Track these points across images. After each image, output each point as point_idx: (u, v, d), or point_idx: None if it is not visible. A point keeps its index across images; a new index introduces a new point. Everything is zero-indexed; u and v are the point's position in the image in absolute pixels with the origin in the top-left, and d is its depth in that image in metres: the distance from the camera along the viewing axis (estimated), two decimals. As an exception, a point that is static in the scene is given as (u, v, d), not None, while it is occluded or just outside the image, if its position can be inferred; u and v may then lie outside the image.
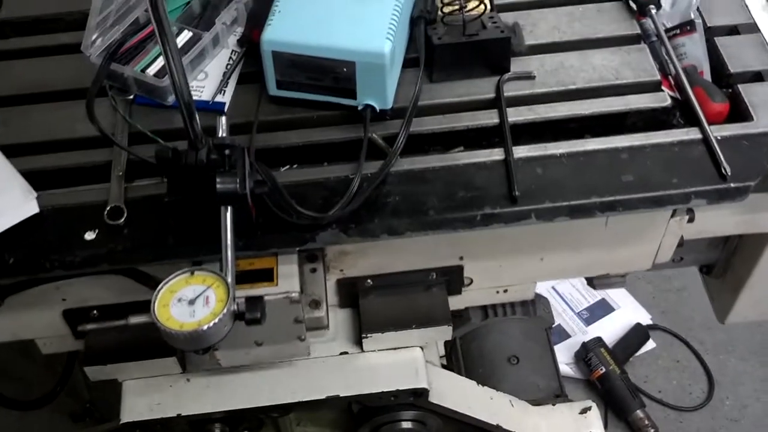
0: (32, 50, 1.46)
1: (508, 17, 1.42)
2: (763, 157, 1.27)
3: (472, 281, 1.46)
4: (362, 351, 1.44)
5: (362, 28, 1.26)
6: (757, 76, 1.37)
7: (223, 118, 1.22)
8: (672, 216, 1.38)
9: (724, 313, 1.64)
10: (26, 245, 1.22)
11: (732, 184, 1.24)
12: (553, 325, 1.99)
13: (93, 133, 1.29)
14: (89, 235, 1.22)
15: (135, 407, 1.41)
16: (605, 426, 2.32)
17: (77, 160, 1.31)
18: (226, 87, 1.36)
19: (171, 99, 1.33)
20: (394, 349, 1.44)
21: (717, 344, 2.74)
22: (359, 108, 1.31)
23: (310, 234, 1.22)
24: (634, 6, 1.44)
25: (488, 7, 1.39)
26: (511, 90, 1.35)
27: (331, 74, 1.28)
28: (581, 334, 2.76)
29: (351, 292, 1.44)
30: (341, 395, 1.41)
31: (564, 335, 2.76)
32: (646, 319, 2.80)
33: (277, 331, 1.30)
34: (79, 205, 1.26)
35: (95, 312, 1.37)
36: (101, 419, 2.30)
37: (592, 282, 1.58)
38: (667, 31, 1.41)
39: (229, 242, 1.13)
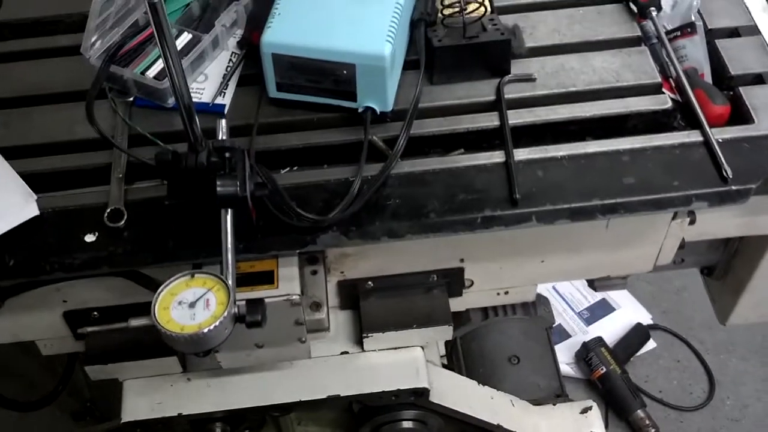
0: (31, 52, 1.46)
1: (508, 19, 1.41)
2: (765, 160, 1.27)
3: (472, 283, 1.46)
4: (363, 351, 1.44)
5: (362, 30, 1.26)
6: (757, 79, 1.37)
7: (223, 121, 1.22)
8: (673, 218, 1.38)
9: (725, 314, 1.64)
10: (26, 247, 1.22)
11: (733, 187, 1.24)
12: (554, 325, 1.99)
13: (93, 136, 1.29)
14: (89, 238, 1.22)
15: (136, 406, 1.41)
16: (606, 426, 2.31)
17: (77, 162, 1.31)
18: (226, 89, 1.36)
19: (171, 101, 1.33)
20: (395, 348, 1.44)
21: (718, 344, 2.74)
22: (359, 110, 1.31)
23: (310, 236, 1.22)
24: (634, 8, 1.44)
25: (488, 9, 1.38)
26: (511, 92, 1.35)
27: (332, 76, 1.28)
28: (582, 333, 2.76)
29: (352, 294, 1.44)
30: (342, 395, 1.41)
31: (564, 335, 2.76)
32: (646, 318, 2.80)
33: (277, 333, 1.30)
34: (79, 207, 1.26)
35: (96, 314, 1.37)
36: (102, 418, 2.30)
37: (593, 284, 1.58)
38: (667, 33, 1.41)
39: (229, 245, 1.13)
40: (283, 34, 1.27)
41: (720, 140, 1.28)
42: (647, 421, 2.51)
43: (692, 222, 1.38)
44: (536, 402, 1.68)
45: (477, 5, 1.37)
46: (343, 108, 1.32)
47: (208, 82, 1.37)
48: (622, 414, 2.55)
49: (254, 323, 1.12)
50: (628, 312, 2.82)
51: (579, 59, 1.39)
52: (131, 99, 1.36)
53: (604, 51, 1.40)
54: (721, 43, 1.41)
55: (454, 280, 1.44)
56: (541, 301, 1.89)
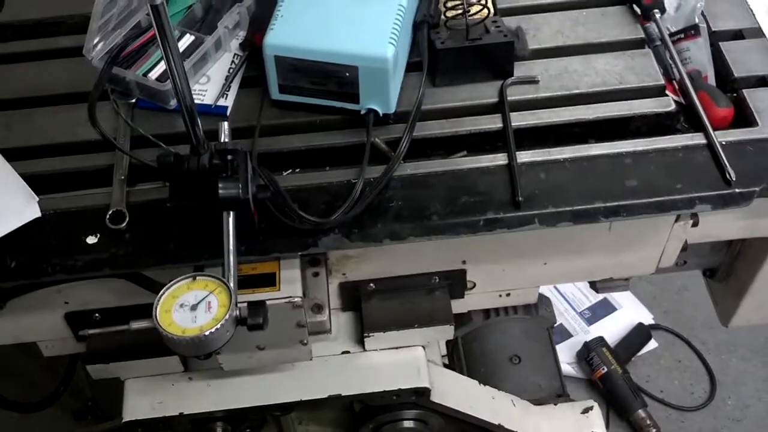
0: (33, 53, 1.46)
1: (511, 21, 1.41)
2: (768, 163, 1.27)
3: (474, 285, 1.46)
4: (364, 350, 1.44)
5: (365, 32, 1.26)
6: (761, 81, 1.37)
7: (226, 123, 1.22)
8: (676, 221, 1.37)
9: (728, 316, 1.63)
10: (28, 249, 1.22)
11: (736, 190, 1.24)
12: (555, 325, 1.99)
13: (95, 137, 1.29)
14: (91, 240, 1.22)
15: (137, 406, 1.42)
16: (607, 426, 2.32)
17: (79, 164, 1.31)
18: (228, 91, 1.36)
19: (173, 103, 1.32)
20: (396, 348, 1.44)
21: (719, 344, 2.74)
22: (362, 112, 1.30)
23: (312, 239, 1.22)
24: (638, 10, 1.44)
25: (491, 11, 1.38)
26: (514, 94, 1.35)
27: (334, 79, 1.27)
28: (583, 333, 2.75)
29: (353, 296, 1.44)
30: (343, 394, 1.41)
31: (566, 335, 2.76)
32: (648, 318, 2.79)
33: (279, 335, 1.30)
34: (81, 209, 1.26)
35: (97, 315, 1.37)
36: (103, 417, 2.31)
37: (595, 286, 1.58)
38: (671, 35, 1.40)
39: (231, 247, 1.13)
40: (286, 36, 1.27)
41: (723, 143, 1.28)
42: (648, 421, 2.51)
43: (695, 224, 1.38)
44: (537, 402, 1.68)
45: (480, 7, 1.37)
46: (345, 110, 1.32)
47: (211, 84, 1.37)
48: (623, 414, 2.55)
49: (256, 326, 1.12)
50: (629, 312, 2.81)
51: (582, 61, 1.39)
52: (133, 101, 1.36)
53: (607, 53, 1.40)
54: (725, 46, 1.41)
55: (456, 282, 1.44)
56: (543, 300, 1.89)
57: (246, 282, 1.24)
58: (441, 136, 1.33)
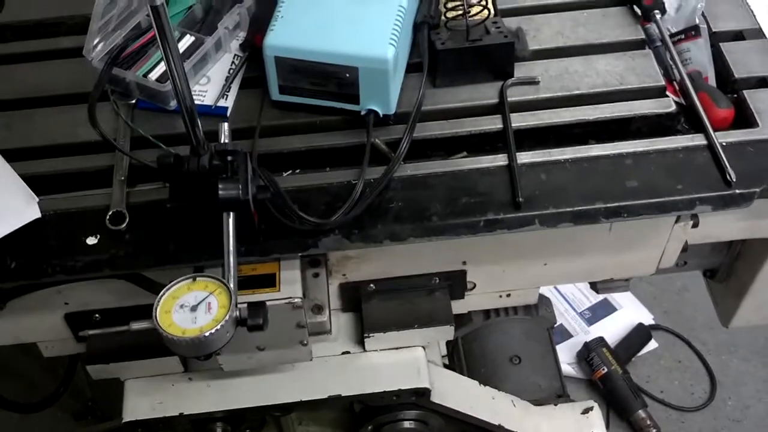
0: (34, 54, 1.45)
1: (511, 22, 1.41)
2: (768, 164, 1.27)
3: (475, 286, 1.46)
4: (364, 351, 1.44)
5: (365, 33, 1.26)
6: (762, 82, 1.37)
7: (226, 124, 1.21)
8: (676, 221, 1.38)
9: (728, 317, 1.63)
10: (28, 250, 1.22)
11: (737, 191, 1.24)
12: (555, 325, 1.99)
13: (95, 138, 1.28)
14: (91, 240, 1.22)
15: (137, 406, 1.42)
16: (607, 426, 2.32)
17: (79, 164, 1.31)
18: (228, 92, 1.36)
19: (173, 104, 1.32)
20: (396, 348, 1.44)
21: (719, 345, 2.74)
22: (362, 113, 1.30)
23: (312, 240, 1.22)
24: (638, 11, 1.43)
25: (492, 12, 1.38)
26: (514, 95, 1.35)
27: (334, 79, 1.27)
28: (583, 333, 2.75)
29: (353, 297, 1.44)
30: (343, 395, 1.42)
31: (566, 335, 2.76)
32: (648, 319, 2.79)
33: (279, 336, 1.30)
34: (81, 210, 1.26)
35: (97, 316, 1.37)
36: (103, 418, 2.31)
37: (595, 286, 1.58)
38: (671, 36, 1.40)
39: (231, 248, 1.13)
40: (286, 37, 1.27)
41: (724, 144, 1.28)
42: (648, 422, 2.51)
43: (695, 225, 1.38)
44: (537, 402, 1.68)
45: (480, 8, 1.37)
46: (345, 111, 1.32)
47: (211, 85, 1.37)
48: (623, 414, 2.55)
49: (256, 326, 1.12)
50: (629, 312, 2.81)
51: (583, 62, 1.39)
52: (133, 101, 1.35)
53: (607, 54, 1.40)
54: (726, 47, 1.41)
55: (456, 283, 1.44)
56: (543, 301, 1.89)
57: (246, 283, 1.24)
58: (441, 137, 1.33)
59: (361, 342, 1.43)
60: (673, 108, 1.34)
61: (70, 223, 1.24)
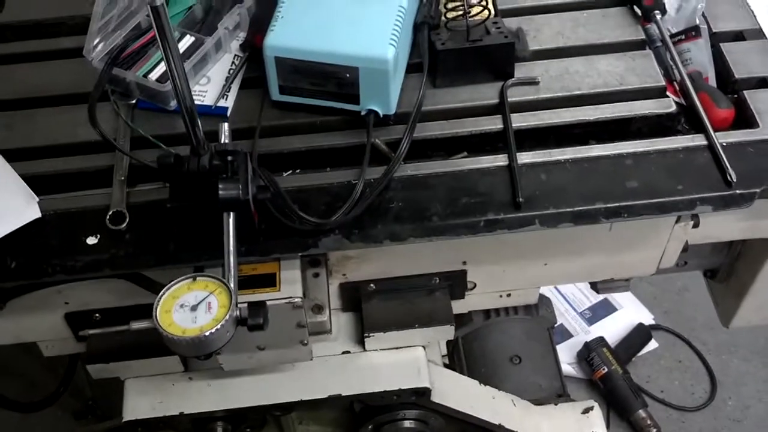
0: (34, 54, 1.45)
1: (512, 22, 1.41)
2: (769, 164, 1.27)
3: (475, 286, 1.46)
4: (364, 350, 1.44)
5: (365, 33, 1.26)
6: (762, 83, 1.37)
7: (226, 124, 1.21)
8: (677, 222, 1.38)
9: (728, 317, 1.63)
10: (28, 250, 1.22)
11: (737, 191, 1.24)
12: (556, 325, 1.99)
13: (95, 138, 1.28)
14: (91, 240, 1.22)
15: (137, 405, 1.42)
16: (607, 426, 2.31)
17: (79, 164, 1.30)
18: (228, 92, 1.36)
19: (173, 104, 1.32)
20: (397, 348, 1.44)
21: (719, 344, 2.74)
22: (362, 113, 1.30)
23: (312, 240, 1.22)
24: (639, 11, 1.43)
25: (492, 12, 1.38)
26: (515, 95, 1.35)
27: (334, 80, 1.27)
28: (583, 333, 2.76)
29: (354, 296, 1.44)
30: (343, 394, 1.42)
31: (566, 335, 2.76)
32: (648, 319, 2.80)
33: (279, 336, 1.30)
34: (81, 209, 1.26)
35: (97, 315, 1.37)
36: (103, 417, 2.31)
37: (595, 286, 1.58)
38: (672, 36, 1.40)
39: (231, 248, 1.13)
40: (286, 37, 1.27)
41: (724, 144, 1.28)
42: (649, 422, 2.51)
43: (696, 225, 1.38)
44: (538, 402, 1.68)
45: (481, 8, 1.37)
46: (345, 111, 1.31)
47: (211, 85, 1.37)
48: (623, 414, 2.55)
49: (256, 326, 1.12)
50: (629, 312, 2.81)
51: (583, 62, 1.39)
52: (133, 101, 1.35)
53: (608, 54, 1.40)
54: (726, 47, 1.41)
55: (456, 283, 1.44)
56: (543, 301, 1.89)
57: (246, 282, 1.24)
58: (441, 137, 1.33)
59: (361, 342, 1.43)
60: (673, 108, 1.34)
61: (71, 222, 1.24)
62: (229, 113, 1.35)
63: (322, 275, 1.36)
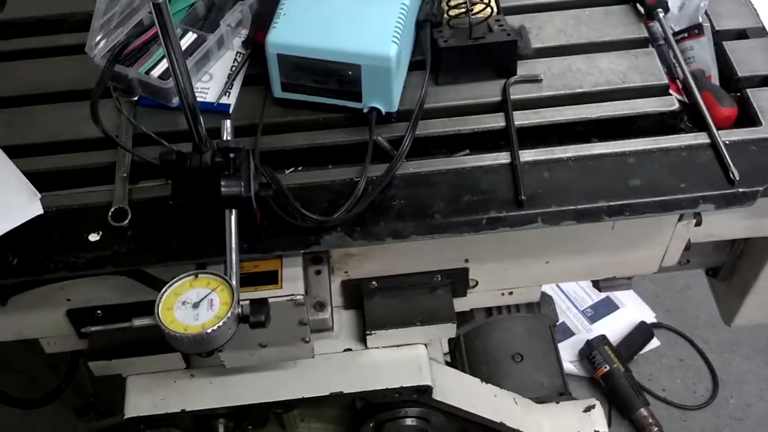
0: (36, 51, 1.45)
1: (514, 20, 1.41)
2: (771, 162, 1.26)
3: (477, 283, 1.46)
4: (366, 348, 1.44)
5: (368, 31, 1.26)
6: (765, 81, 1.37)
7: (228, 121, 1.21)
8: (679, 220, 1.37)
9: (731, 315, 1.63)
10: (30, 246, 1.22)
11: (740, 189, 1.24)
12: (558, 323, 1.99)
13: (97, 135, 1.28)
14: (93, 237, 1.22)
15: (139, 402, 1.42)
16: (609, 424, 2.31)
17: (81, 161, 1.30)
18: (230, 89, 1.36)
19: (175, 101, 1.32)
20: (398, 346, 1.45)
21: (722, 343, 2.74)
22: (365, 111, 1.30)
23: (314, 237, 1.22)
24: (641, 9, 1.43)
25: (495, 10, 1.38)
26: (517, 93, 1.35)
27: (337, 77, 1.27)
28: (585, 331, 2.75)
29: (356, 294, 1.44)
30: (345, 392, 1.42)
31: (568, 333, 2.76)
32: (650, 317, 2.79)
33: (281, 333, 1.30)
34: (83, 206, 1.26)
35: (99, 312, 1.37)
36: (105, 414, 2.32)
37: (597, 284, 1.57)
38: (674, 34, 1.40)
39: (233, 245, 1.13)
40: (289, 34, 1.27)
41: (727, 142, 1.28)
42: (650, 420, 2.51)
43: (698, 224, 1.38)
44: (539, 400, 1.68)
45: (483, 6, 1.37)
46: (348, 108, 1.31)
47: (213, 82, 1.37)
48: (625, 412, 2.55)
49: (258, 323, 1.11)
50: (632, 310, 2.81)
51: (586, 60, 1.38)
52: (136, 98, 1.35)
53: (610, 52, 1.39)
54: (729, 45, 1.41)
55: (458, 281, 1.44)
56: (545, 299, 1.88)
57: (248, 280, 1.24)
58: (444, 135, 1.32)
59: (363, 339, 1.43)
60: (676, 106, 1.34)
61: (73, 219, 1.24)
62: (231, 110, 1.35)
63: (324, 272, 1.36)
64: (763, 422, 2.57)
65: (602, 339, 2.66)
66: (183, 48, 1.30)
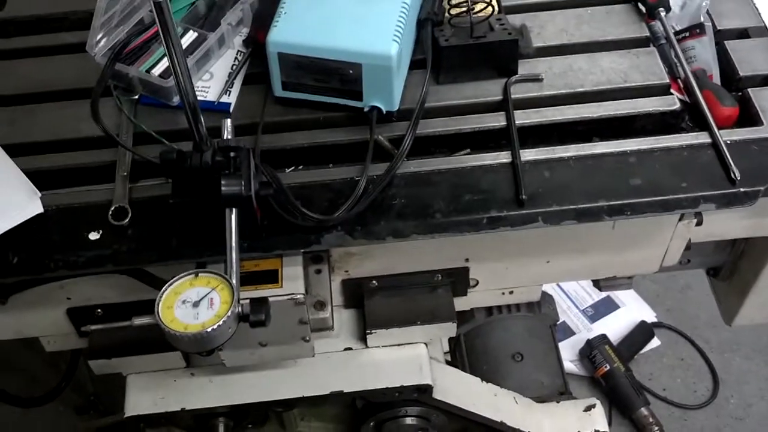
0: (36, 49, 1.45)
1: (515, 19, 1.41)
2: (773, 162, 1.26)
3: (477, 283, 1.46)
4: (366, 347, 1.44)
5: (369, 29, 1.26)
6: (766, 80, 1.37)
7: (228, 120, 1.21)
8: (680, 219, 1.37)
9: (731, 315, 1.63)
10: (30, 245, 1.22)
11: (741, 189, 1.24)
12: (558, 322, 1.99)
13: (97, 133, 1.28)
14: (93, 236, 1.22)
15: (139, 401, 1.42)
16: (609, 424, 2.32)
17: (82, 159, 1.30)
18: (231, 88, 1.36)
19: (176, 99, 1.32)
20: (399, 345, 1.44)
21: (722, 342, 2.74)
22: (365, 110, 1.30)
23: (315, 236, 1.22)
24: (643, 8, 1.43)
25: (496, 9, 1.38)
26: (518, 92, 1.35)
27: (338, 76, 1.27)
28: (586, 331, 2.75)
29: (356, 293, 1.44)
30: (345, 391, 1.42)
31: (569, 332, 2.76)
32: (651, 316, 2.79)
33: (281, 332, 1.30)
34: (84, 205, 1.25)
35: (99, 311, 1.37)
36: (105, 412, 2.32)
37: (598, 284, 1.57)
38: (676, 34, 1.40)
39: (233, 244, 1.13)
40: (289, 33, 1.27)
41: (728, 142, 1.28)
42: (651, 419, 2.51)
43: (699, 223, 1.38)
44: (540, 399, 1.68)
45: (484, 5, 1.37)
46: (348, 107, 1.31)
47: (214, 81, 1.37)
48: (625, 412, 2.55)
49: (258, 322, 1.11)
50: (632, 310, 2.81)
51: (587, 59, 1.38)
52: (136, 97, 1.35)
53: (612, 51, 1.39)
54: (730, 45, 1.41)
55: (459, 280, 1.44)
56: (546, 298, 1.88)
57: (248, 279, 1.24)
58: (444, 134, 1.32)
59: (363, 338, 1.43)
60: (677, 106, 1.33)
61: (73, 218, 1.24)
62: (231, 109, 1.34)
63: (324, 272, 1.36)
64: (764, 422, 2.57)
65: (603, 338, 2.66)
66: (183, 47, 1.31)
